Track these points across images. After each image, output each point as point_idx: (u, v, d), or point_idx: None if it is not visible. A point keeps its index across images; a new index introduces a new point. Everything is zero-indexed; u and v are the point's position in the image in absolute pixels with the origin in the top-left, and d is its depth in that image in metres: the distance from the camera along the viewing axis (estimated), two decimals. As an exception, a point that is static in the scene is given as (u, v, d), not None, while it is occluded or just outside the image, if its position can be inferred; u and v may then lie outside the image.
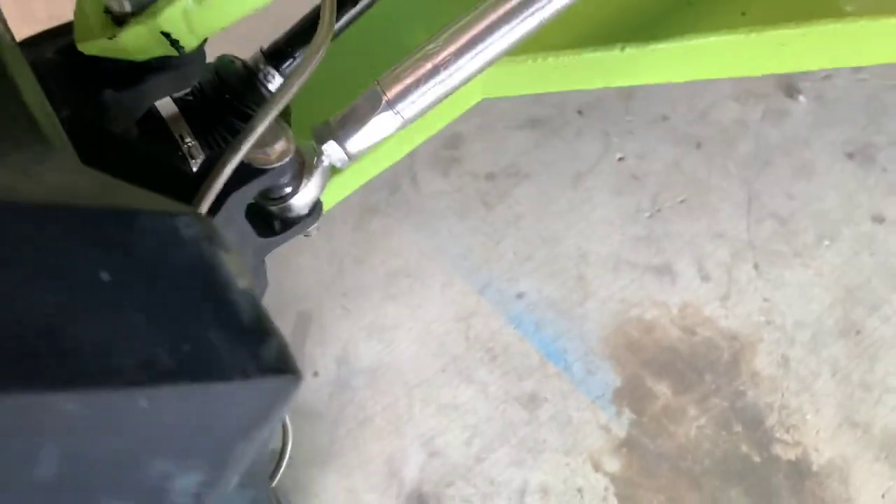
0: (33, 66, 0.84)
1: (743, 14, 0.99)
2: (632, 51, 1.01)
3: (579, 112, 1.65)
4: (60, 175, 0.48)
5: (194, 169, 0.92)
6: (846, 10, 0.95)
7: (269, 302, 1.44)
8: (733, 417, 1.35)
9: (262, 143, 0.80)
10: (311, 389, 1.43)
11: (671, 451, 1.33)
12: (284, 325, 1.48)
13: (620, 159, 1.60)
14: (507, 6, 0.80)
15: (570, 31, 1.04)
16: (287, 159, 0.81)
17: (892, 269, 1.47)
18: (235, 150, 0.76)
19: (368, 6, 0.94)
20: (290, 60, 0.96)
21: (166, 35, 0.81)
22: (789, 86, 1.63)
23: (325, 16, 0.80)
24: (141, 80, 0.86)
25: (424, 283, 1.51)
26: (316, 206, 0.91)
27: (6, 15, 0.86)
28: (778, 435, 1.34)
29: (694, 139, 1.61)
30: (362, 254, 1.54)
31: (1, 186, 0.42)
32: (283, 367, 0.45)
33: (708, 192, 1.55)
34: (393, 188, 1.58)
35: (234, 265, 0.45)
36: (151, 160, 0.86)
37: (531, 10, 0.79)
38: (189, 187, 0.78)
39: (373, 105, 0.82)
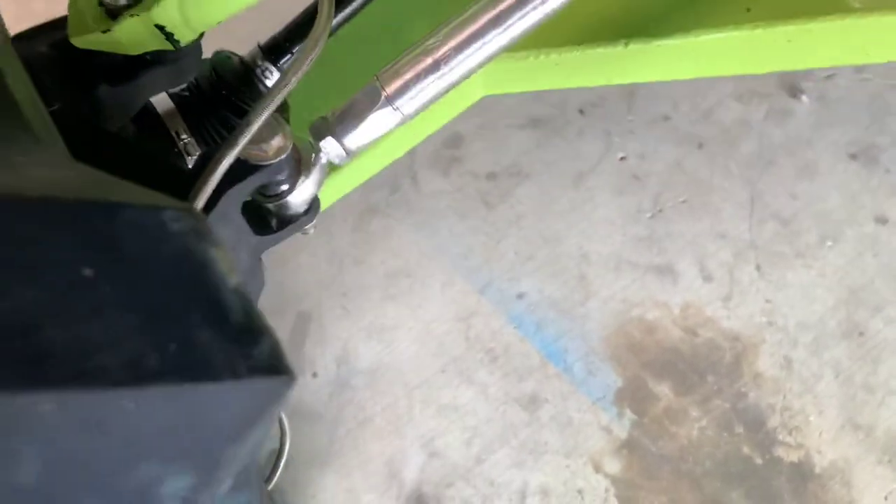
0: (27, 60, 0.82)
1: (748, 10, 0.97)
2: (635, 47, 0.99)
3: (581, 111, 1.63)
4: (45, 169, 0.46)
5: (190, 166, 0.90)
6: (853, 6, 0.93)
7: (268, 301, 1.44)
8: (735, 419, 1.33)
9: (259, 139, 0.78)
10: (310, 390, 1.42)
11: (672, 452, 1.32)
12: (284, 324, 1.47)
13: (622, 159, 1.58)
14: (509, 1, 0.78)
15: (573, 27, 1.02)
16: (284, 156, 0.80)
17: (895, 271, 1.45)
18: (231, 146, 0.74)
19: (368, 1, 0.92)
20: (288, 56, 0.94)
21: (161, 28, 0.80)
22: (792, 86, 1.62)
23: (323, 10, 0.78)
24: (136, 75, 0.84)
25: (425, 283, 1.49)
26: (313, 204, 0.89)
27: (5, 12, 0.84)
28: (780, 437, 1.32)
29: (696, 139, 1.59)
30: (362, 253, 1.52)
31: (-19, 179, 0.40)
32: (275, 367, 0.43)
33: (710, 193, 1.54)
34: (393, 187, 1.57)
35: (225, 261, 0.43)
36: (147, 157, 0.84)
37: (533, 4, 0.77)
38: (185, 184, 0.76)
39: (372, 100, 0.80)
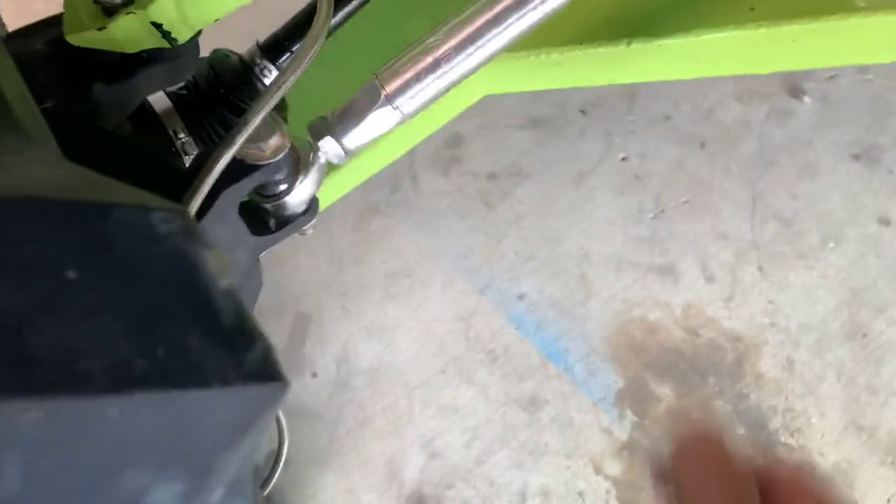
0: (22, 57, 0.81)
1: (752, 9, 0.95)
2: (637, 46, 0.98)
3: (582, 111, 1.62)
4: (33, 168, 0.45)
5: (188, 165, 0.89)
6: (859, 5, 0.91)
7: (268, 301, 1.43)
8: (737, 420, 1.32)
9: (256, 138, 0.76)
10: (310, 390, 1.41)
11: (674, 454, 1.30)
12: (283, 324, 1.46)
13: (623, 159, 1.57)
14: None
15: (575, 26, 1.01)
16: (282, 155, 0.78)
17: (898, 272, 1.44)
18: (228, 145, 0.72)
19: (367, -1, 0.90)
20: (287, 54, 0.92)
21: (157, 26, 0.78)
22: (794, 86, 1.60)
23: (322, 9, 0.76)
24: (132, 74, 0.82)
25: (425, 283, 1.48)
26: (312, 204, 0.87)
27: (5, 11, 0.83)
28: (782, 438, 1.30)
29: (697, 139, 1.58)
30: (362, 253, 1.51)
31: (-36, 178, 0.39)
32: (267, 373, 0.41)
33: (711, 193, 1.52)
34: (393, 187, 1.55)
35: (216, 264, 0.42)
36: (143, 156, 0.82)
37: (534, 3, 0.76)
38: (182, 183, 0.74)
39: (371, 100, 0.78)
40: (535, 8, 0.76)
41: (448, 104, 1.04)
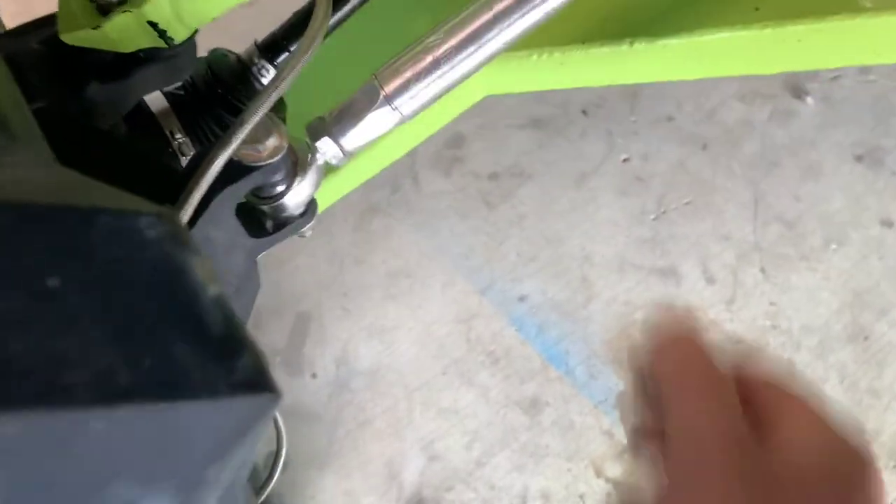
0: (17, 56, 0.79)
1: (756, 9, 0.94)
2: (640, 46, 0.96)
3: (583, 112, 1.60)
4: (15, 169, 0.43)
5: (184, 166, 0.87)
6: (864, 5, 0.90)
7: (268, 301, 1.42)
8: (739, 423, 1.30)
9: (253, 138, 0.74)
10: (309, 391, 1.39)
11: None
12: (283, 325, 1.44)
13: (625, 160, 1.55)
14: (511, -1, 0.75)
15: (577, 26, 0.99)
16: (279, 156, 0.76)
17: (901, 274, 1.42)
18: (223, 146, 0.70)
19: (366, -1, 0.89)
20: (286, 54, 0.91)
21: (153, 25, 0.76)
22: (796, 86, 1.58)
23: (320, 8, 0.74)
24: (128, 73, 0.81)
25: (425, 284, 1.46)
26: (310, 206, 0.86)
27: (5, 11, 0.81)
28: (784, 441, 1.29)
29: (700, 140, 1.56)
30: (363, 253, 1.49)
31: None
32: (258, 384, 0.40)
33: (713, 194, 1.50)
34: (394, 187, 1.54)
35: (205, 270, 0.40)
36: (138, 157, 0.80)
37: (535, 2, 0.74)
38: (178, 185, 0.73)
39: (370, 100, 0.77)
40: (536, 7, 0.74)
41: (448, 105, 1.03)
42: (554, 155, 1.56)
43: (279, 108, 0.92)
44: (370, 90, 0.77)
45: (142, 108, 0.88)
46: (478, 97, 1.06)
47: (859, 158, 1.51)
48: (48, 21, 0.82)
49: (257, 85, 0.91)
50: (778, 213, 1.47)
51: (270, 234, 0.84)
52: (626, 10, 1.00)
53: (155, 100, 0.89)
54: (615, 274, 1.44)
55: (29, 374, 0.34)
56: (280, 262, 1.47)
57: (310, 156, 0.80)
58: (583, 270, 1.45)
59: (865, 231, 1.45)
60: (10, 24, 0.90)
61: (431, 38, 0.76)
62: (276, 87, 0.72)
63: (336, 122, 0.78)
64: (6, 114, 0.52)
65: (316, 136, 0.78)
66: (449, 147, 1.56)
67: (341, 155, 0.79)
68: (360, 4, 0.88)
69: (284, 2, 0.94)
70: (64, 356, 0.35)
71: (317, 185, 0.83)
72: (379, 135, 0.78)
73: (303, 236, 0.88)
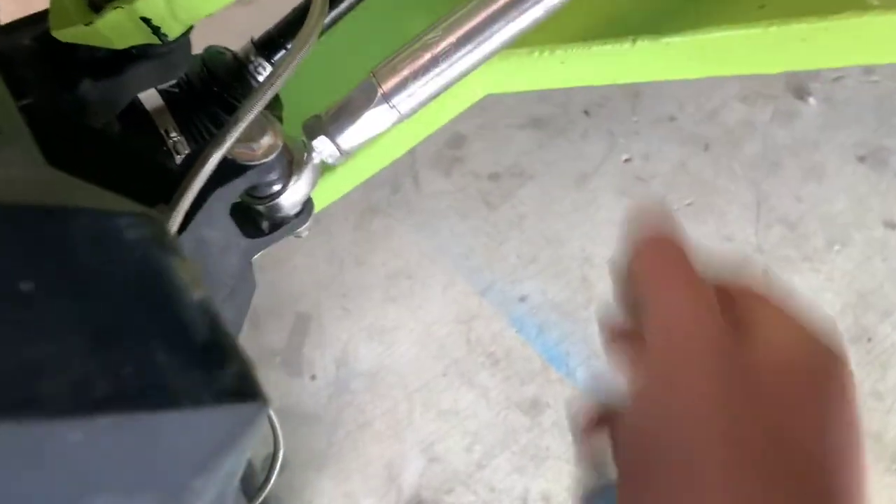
0: (8, 53, 0.78)
1: (761, 7, 0.92)
2: (643, 44, 0.94)
3: (585, 112, 1.58)
4: (-6, 168, 0.41)
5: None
6: (871, 3, 0.88)
7: (267, 302, 1.40)
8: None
9: (247, 137, 0.72)
10: (308, 392, 1.38)
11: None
12: (282, 325, 1.43)
13: (626, 160, 1.54)
14: (513, -7, 0.73)
15: (579, 23, 0.97)
16: (274, 155, 0.74)
17: (904, 275, 1.40)
18: (217, 145, 0.68)
19: (365, -6, 0.87)
20: (283, 52, 0.89)
21: (147, 21, 0.74)
22: (799, 87, 1.56)
23: (317, 4, 0.72)
24: (121, 70, 0.78)
25: (426, 284, 1.45)
26: (306, 206, 0.84)
27: (5, 10, 0.80)
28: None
29: (701, 140, 1.54)
30: (362, 254, 1.47)
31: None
32: (244, 392, 0.38)
33: (715, 195, 1.49)
34: (394, 187, 1.52)
35: (189, 273, 0.38)
36: (131, 155, 0.78)
37: (537, -1, 0.72)
38: (172, 184, 0.71)
39: (367, 98, 0.74)
40: (537, 4, 0.72)
41: (447, 103, 1.01)
42: (554, 155, 1.54)
43: (275, 105, 0.90)
44: (367, 88, 0.75)
45: (136, 106, 0.86)
46: (477, 96, 1.04)
47: (862, 159, 1.49)
48: (41, 17, 0.80)
49: (253, 83, 0.89)
50: (780, 215, 1.46)
51: (266, 234, 0.82)
52: (629, 8, 0.98)
53: (150, 98, 0.87)
54: (616, 275, 1.42)
55: (1, 383, 0.32)
56: (279, 262, 1.46)
57: (306, 155, 0.78)
58: (583, 271, 1.43)
59: (868, 232, 1.44)
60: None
61: (430, 35, 0.74)
62: (271, 85, 0.70)
63: (333, 120, 0.76)
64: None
65: (312, 135, 0.76)
66: (449, 147, 1.54)
67: (338, 154, 0.77)
68: (358, 1, 0.86)
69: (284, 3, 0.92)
70: (38, 364, 0.33)
71: (313, 185, 0.81)
72: (376, 133, 0.76)
73: (299, 237, 0.86)
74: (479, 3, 0.73)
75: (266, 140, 0.74)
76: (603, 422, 0.48)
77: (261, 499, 1.08)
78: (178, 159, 0.87)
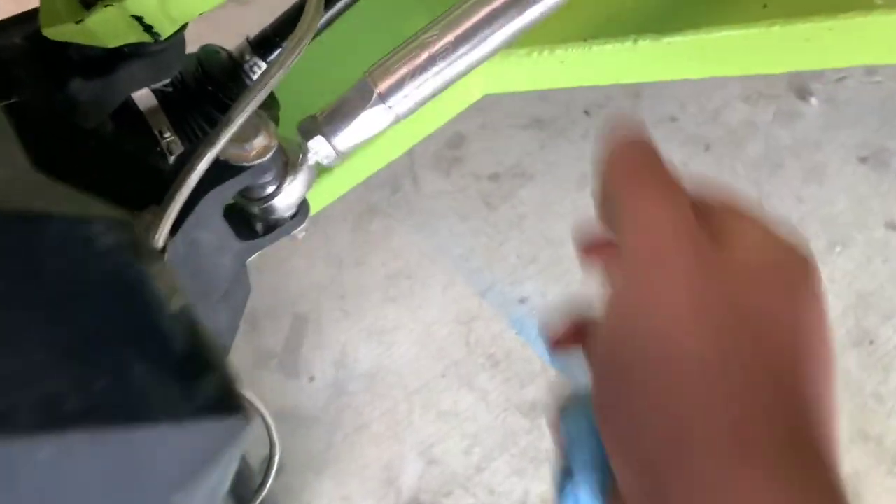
0: (-1, 52, 0.76)
1: (764, 6, 0.90)
2: (645, 44, 0.93)
3: (586, 112, 1.56)
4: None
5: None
6: (876, 2, 0.86)
7: (265, 303, 1.38)
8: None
9: (240, 137, 0.71)
10: (307, 393, 1.36)
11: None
12: (281, 327, 1.41)
13: (627, 161, 1.51)
14: (512, -9, 0.70)
15: (579, 22, 0.95)
16: (268, 156, 0.72)
17: (906, 277, 1.38)
18: (209, 145, 0.66)
19: (361, -6, 0.84)
20: (279, 51, 0.87)
21: (139, 19, 0.72)
22: (801, 87, 1.54)
23: (312, 2, 0.70)
24: (113, 69, 0.76)
25: (425, 285, 1.43)
26: (302, 207, 0.82)
27: (4, 10, 0.78)
28: (788, 448, 1.25)
29: (703, 140, 1.52)
30: (362, 254, 1.46)
31: None
32: (225, 405, 0.36)
33: (717, 196, 1.47)
34: (394, 187, 1.50)
35: (167, 282, 0.36)
36: (123, 156, 0.77)
37: (537, -3, 0.70)
38: (165, 185, 0.69)
39: (363, 98, 0.72)
40: (537, 2, 0.70)
41: (446, 104, 0.99)
42: (555, 155, 1.52)
43: (271, 105, 0.88)
44: (363, 88, 0.73)
45: (129, 105, 0.84)
46: (476, 96, 1.03)
47: (864, 160, 1.47)
48: (32, 16, 0.78)
49: (249, 82, 0.87)
50: (782, 215, 1.43)
51: (260, 236, 0.80)
52: (630, 7, 0.96)
53: (143, 97, 0.85)
54: (617, 276, 1.41)
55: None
56: (277, 262, 1.44)
57: (301, 155, 0.76)
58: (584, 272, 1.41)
59: (870, 233, 1.42)
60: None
61: (427, 35, 0.72)
62: (264, 85, 0.68)
63: (328, 121, 0.74)
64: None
65: (308, 136, 0.74)
66: (449, 147, 1.52)
67: (334, 155, 0.75)
68: (354, 1, 0.84)
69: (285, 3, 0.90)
70: (5, 377, 0.31)
71: (308, 186, 0.79)
72: (373, 134, 0.74)
73: (295, 239, 0.85)
74: (477, 2, 0.71)
75: (260, 140, 0.72)
76: (577, 335, 0.49)
77: (258, 501, 1.07)
78: (172, 160, 0.85)
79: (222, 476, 0.40)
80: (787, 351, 0.39)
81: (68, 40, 0.74)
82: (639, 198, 0.43)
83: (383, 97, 0.72)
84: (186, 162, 0.67)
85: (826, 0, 0.88)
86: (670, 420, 0.37)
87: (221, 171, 0.70)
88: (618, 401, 0.40)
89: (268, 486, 1.09)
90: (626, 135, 0.46)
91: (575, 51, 0.95)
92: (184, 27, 0.77)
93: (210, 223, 0.74)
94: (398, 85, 0.72)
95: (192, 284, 0.78)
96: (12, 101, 0.70)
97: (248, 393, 0.92)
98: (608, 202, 0.45)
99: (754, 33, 0.89)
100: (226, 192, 0.72)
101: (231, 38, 0.91)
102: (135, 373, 0.33)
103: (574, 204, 1.47)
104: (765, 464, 0.35)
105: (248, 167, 0.72)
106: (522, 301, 1.40)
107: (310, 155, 0.75)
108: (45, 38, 0.75)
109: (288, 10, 0.87)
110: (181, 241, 0.72)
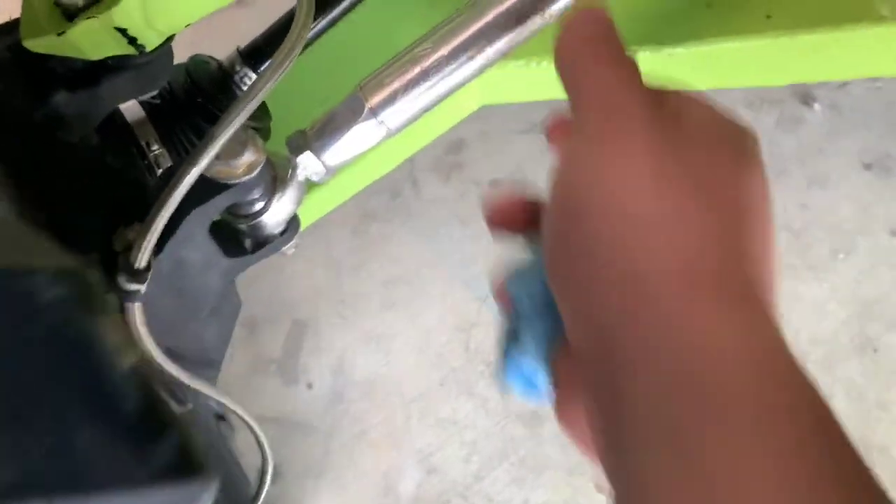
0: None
1: (768, 17, 0.87)
2: (645, 55, 0.90)
3: (587, 117, 1.53)
4: None
5: (159, 179, 0.80)
6: (882, 13, 0.83)
7: (262, 309, 1.35)
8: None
9: (227, 154, 0.67)
10: (304, 400, 1.34)
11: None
12: (278, 333, 1.38)
13: (629, 166, 1.49)
14: (506, 4, 0.67)
15: (578, 33, 0.92)
16: (255, 173, 0.69)
17: (910, 285, 1.35)
18: (193, 163, 0.63)
19: (354, 4, 0.81)
20: (269, 61, 0.83)
21: (122, 31, 0.69)
22: (804, 93, 1.51)
23: (300, 16, 0.67)
24: (97, 82, 0.73)
25: (424, 292, 1.40)
26: (291, 224, 0.79)
27: (3, 11, 0.75)
28: (789, 458, 1.22)
29: (705, 146, 1.49)
30: (360, 260, 1.43)
31: None
32: (183, 469, 0.32)
33: (719, 201, 1.44)
34: (393, 193, 1.47)
35: (117, 336, 0.32)
36: (108, 172, 0.73)
37: (533, 8, 0.66)
38: (149, 202, 0.66)
39: (354, 113, 0.69)
40: (533, 15, 0.66)
41: (442, 115, 0.96)
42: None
43: (263, 118, 0.85)
44: (354, 102, 0.69)
45: (115, 117, 0.81)
46: (473, 107, 1.00)
47: (868, 167, 1.44)
48: (14, 26, 0.75)
49: (238, 93, 0.84)
50: (784, 222, 1.40)
51: (249, 253, 0.77)
52: (630, 17, 0.93)
53: (131, 109, 0.82)
54: (618, 283, 1.38)
55: None
56: (275, 268, 1.41)
57: (290, 171, 0.73)
58: (585, 279, 1.39)
59: (874, 240, 1.38)
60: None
61: (419, 48, 0.68)
62: (250, 100, 0.64)
63: (318, 136, 0.70)
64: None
65: (297, 151, 0.71)
66: (449, 153, 1.49)
67: (323, 171, 0.71)
68: (346, 11, 0.81)
69: (286, 4, 0.87)
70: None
71: (298, 202, 0.76)
72: (364, 150, 0.71)
73: (285, 255, 0.81)
74: (471, 15, 0.67)
75: (247, 157, 0.69)
76: (524, 218, 0.51)
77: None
78: (160, 174, 0.82)
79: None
80: (736, 209, 0.40)
81: (50, 52, 0.71)
82: (594, 69, 0.44)
83: (375, 111, 0.69)
84: (170, 179, 0.64)
85: (831, 11, 0.85)
86: (626, 266, 0.38)
87: (206, 188, 0.67)
88: (574, 255, 0.41)
89: (262, 496, 1.07)
90: (584, 10, 0.46)
91: (574, 62, 0.92)
92: (170, 39, 0.74)
93: (196, 241, 0.71)
94: (390, 99, 0.68)
95: (178, 301, 0.75)
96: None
97: (238, 407, 0.89)
98: (565, 75, 0.46)
99: (758, 45, 0.86)
100: (211, 211, 0.69)
101: (232, 39, 0.89)
102: (81, 438, 0.30)
103: (575, 209, 1.44)
104: (717, 297, 0.37)
105: (235, 184, 0.68)
106: (522, 307, 1.37)
107: (299, 171, 0.72)
108: (29, 50, 0.72)
109: (278, 21, 0.84)
110: (166, 260, 0.69)
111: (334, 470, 1.29)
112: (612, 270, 0.39)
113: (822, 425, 0.36)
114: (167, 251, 0.68)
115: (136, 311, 0.68)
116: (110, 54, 0.71)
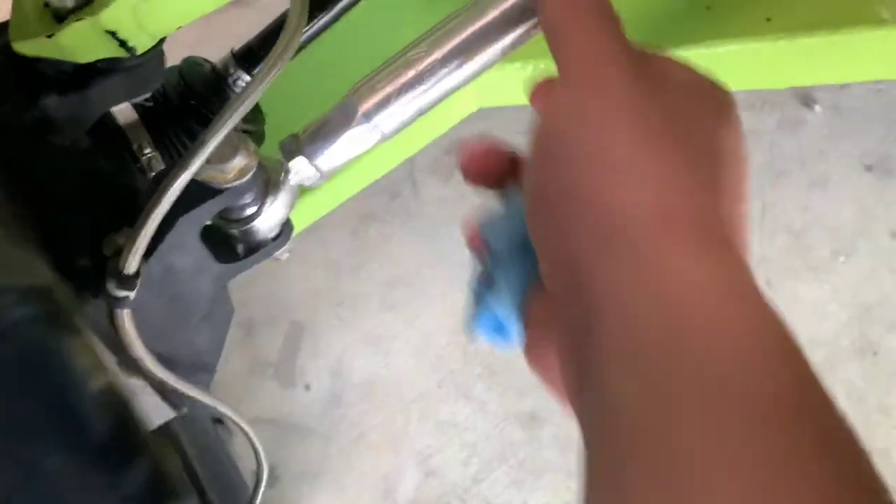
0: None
1: (768, 20, 0.85)
2: (645, 57, 0.88)
3: (588, 117, 1.52)
4: None
5: (151, 183, 0.79)
6: (883, 16, 0.81)
7: (261, 310, 1.34)
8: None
9: (218, 158, 0.66)
10: (302, 403, 1.33)
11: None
12: (276, 334, 1.37)
13: (629, 167, 1.47)
14: (503, 6, 0.65)
15: (574, 36, 0.91)
16: (247, 177, 0.68)
17: (911, 287, 1.33)
18: (183, 167, 0.62)
19: (350, 6, 0.80)
20: (261, 64, 0.82)
21: (113, 34, 0.67)
22: (805, 95, 1.49)
23: (294, 15, 0.66)
24: (87, 85, 0.72)
25: (423, 293, 1.39)
26: (284, 228, 0.77)
27: (3, 12, 0.74)
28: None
29: (705, 147, 1.47)
30: (359, 261, 1.41)
31: None
32: (156, 494, 0.31)
33: (720, 203, 1.42)
34: (392, 194, 1.45)
35: (87, 357, 0.31)
36: (99, 175, 0.72)
37: (530, 12, 0.65)
38: (140, 206, 0.65)
39: (347, 117, 0.67)
40: (531, 18, 0.65)
41: (438, 118, 0.95)
42: (556, 161, 1.48)
43: (257, 120, 0.83)
44: (347, 106, 0.68)
45: (107, 120, 0.79)
46: (469, 110, 0.98)
47: (869, 168, 1.42)
48: (4, 28, 0.73)
49: (232, 96, 0.83)
50: (785, 224, 1.39)
51: (241, 258, 0.76)
52: (630, 20, 0.91)
53: (124, 112, 0.81)
54: (617, 285, 1.37)
55: None
56: (273, 269, 1.39)
57: (283, 176, 0.72)
58: (584, 281, 1.37)
59: (875, 242, 1.37)
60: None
61: (414, 51, 0.67)
62: (241, 103, 0.63)
63: (311, 140, 0.69)
64: None
65: (289, 155, 0.69)
66: (448, 153, 1.47)
67: (317, 176, 0.70)
68: (341, 14, 0.79)
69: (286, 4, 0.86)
70: None
71: (291, 207, 0.74)
72: (357, 154, 0.69)
73: (278, 260, 0.80)
74: (467, 17, 0.65)
75: (238, 161, 0.68)
76: (501, 170, 0.54)
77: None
78: (152, 177, 0.81)
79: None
80: (714, 161, 0.42)
81: (40, 55, 0.69)
82: (582, 21, 0.44)
83: (368, 116, 0.67)
84: (160, 184, 0.63)
85: (831, 14, 0.83)
86: (604, 209, 0.39)
87: (197, 192, 0.66)
88: (555, 199, 0.42)
89: (258, 500, 1.06)
90: None
91: (570, 65, 0.91)
92: (161, 41, 0.73)
93: (186, 247, 0.69)
94: (383, 103, 0.67)
95: (169, 307, 0.74)
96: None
97: (231, 411, 0.88)
98: (551, 27, 0.47)
99: (757, 48, 0.85)
100: (202, 215, 0.68)
101: (232, 40, 0.87)
102: (48, 464, 0.29)
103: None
104: (694, 241, 0.38)
105: (226, 189, 0.67)
106: (522, 310, 1.36)
107: (291, 175, 0.70)
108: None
109: (272, 23, 0.83)
110: (156, 265, 0.68)
111: (332, 472, 1.28)
112: (591, 214, 0.40)
113: (791, 358, 0.38)
114: (157, 256, 0.67)
115: (126, 317, 0.66)
116: (100, 57, 0.70)
